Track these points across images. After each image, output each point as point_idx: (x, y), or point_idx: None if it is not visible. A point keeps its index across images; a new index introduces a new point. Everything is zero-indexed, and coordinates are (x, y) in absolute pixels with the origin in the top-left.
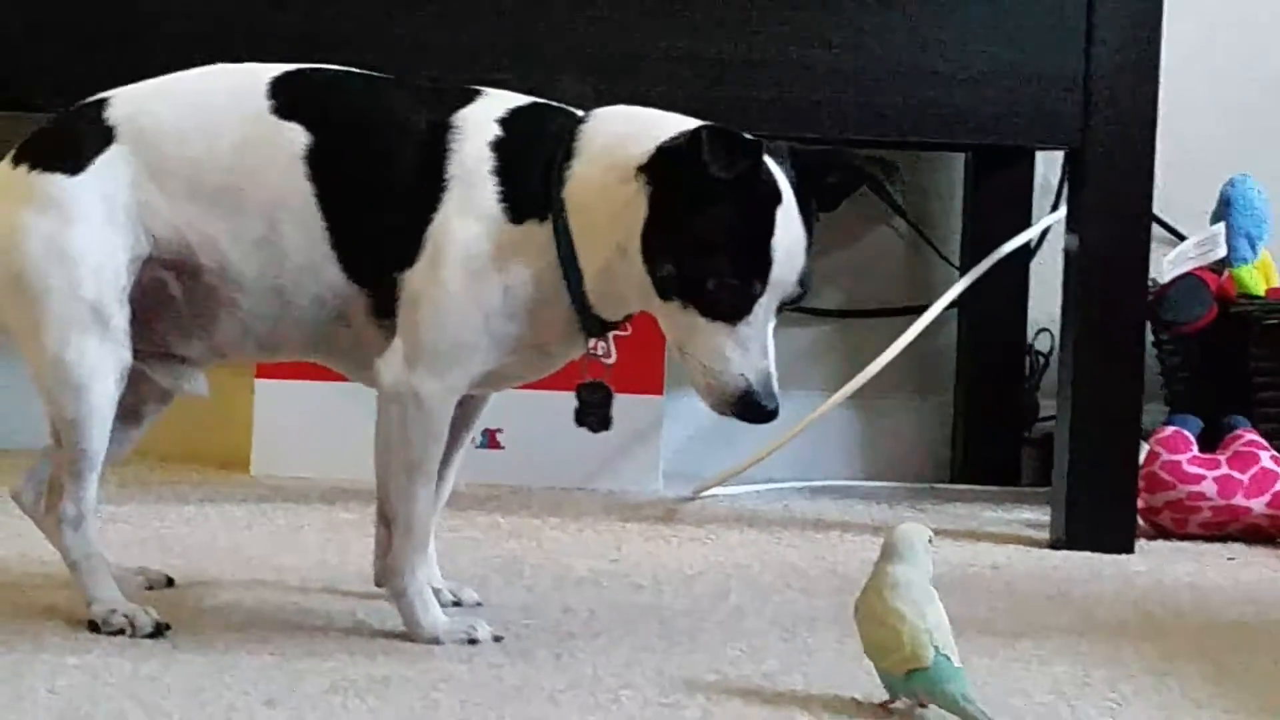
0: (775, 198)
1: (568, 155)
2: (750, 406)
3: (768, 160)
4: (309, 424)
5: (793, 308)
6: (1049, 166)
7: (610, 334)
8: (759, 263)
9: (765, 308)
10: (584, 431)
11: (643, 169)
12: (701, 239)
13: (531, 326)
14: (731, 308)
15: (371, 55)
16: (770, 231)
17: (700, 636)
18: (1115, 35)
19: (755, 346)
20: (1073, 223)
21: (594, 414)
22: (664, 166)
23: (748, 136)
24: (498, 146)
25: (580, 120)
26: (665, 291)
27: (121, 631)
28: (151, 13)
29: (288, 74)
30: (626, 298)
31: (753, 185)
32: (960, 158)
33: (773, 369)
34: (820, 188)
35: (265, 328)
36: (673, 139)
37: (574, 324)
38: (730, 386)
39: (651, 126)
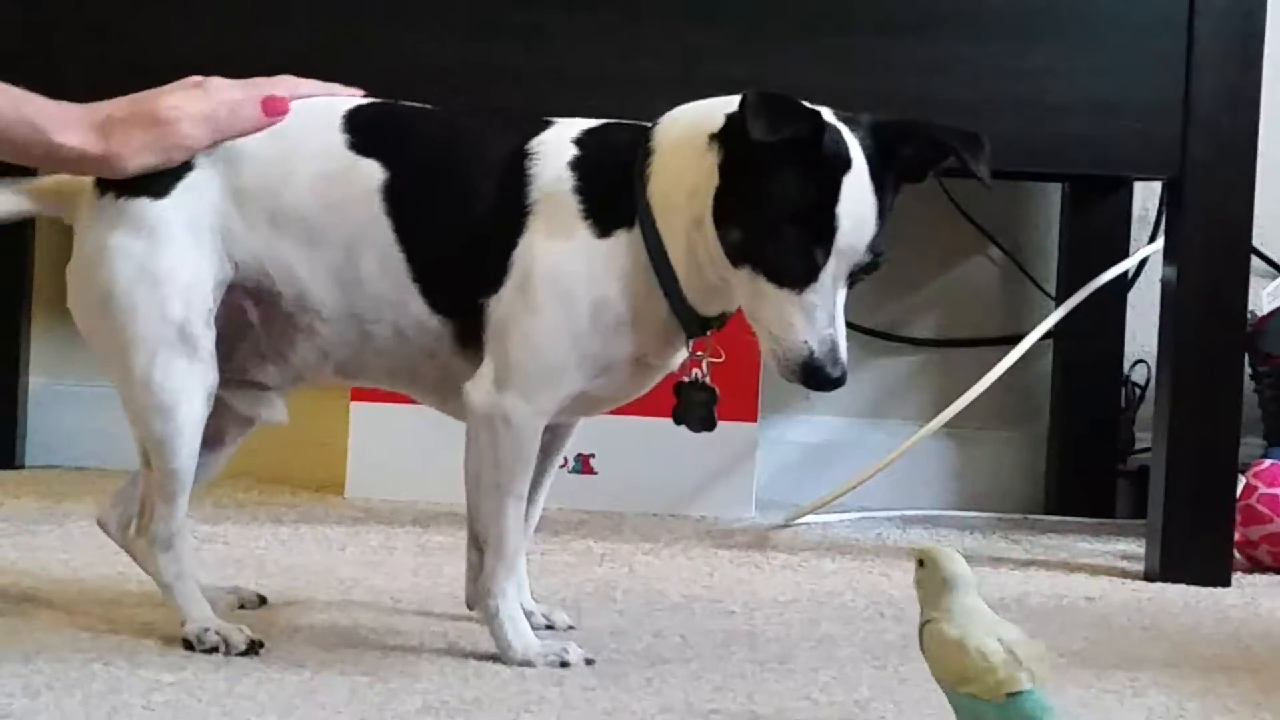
0: (843, 165)
1: (646, 156)
2: (813, 374)
3: (842, 129)
4: (403, 447)
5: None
6: (1147, 197)
7: (704, 362)
8: (823, 229)
9: (833, 275)
10: (678, 458)
11: (714, 136)
12: (765, 203)
13: (627, 339)
14: (796, 274)
15: (460, 83)
16: (835, 198)
17: (792, 663)
18: (1215, 65)
19: (822, 314)
20: (1170, 253)
21: (696, 414)
22: (732, 133)
23: (802, 103)
24: (576, 165)
25: (653, 125)
26: (735, 258)
27: (216, 649)
28: (238, 44)
29: (361, 107)
30: (717, 285)
31: (817, 151)
32: (1057, 187)
33: (839, 338)
34: (899, 158)
35: (344, 355)
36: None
37: (672, 328)
38: (794, 353)
39: (726, 103)
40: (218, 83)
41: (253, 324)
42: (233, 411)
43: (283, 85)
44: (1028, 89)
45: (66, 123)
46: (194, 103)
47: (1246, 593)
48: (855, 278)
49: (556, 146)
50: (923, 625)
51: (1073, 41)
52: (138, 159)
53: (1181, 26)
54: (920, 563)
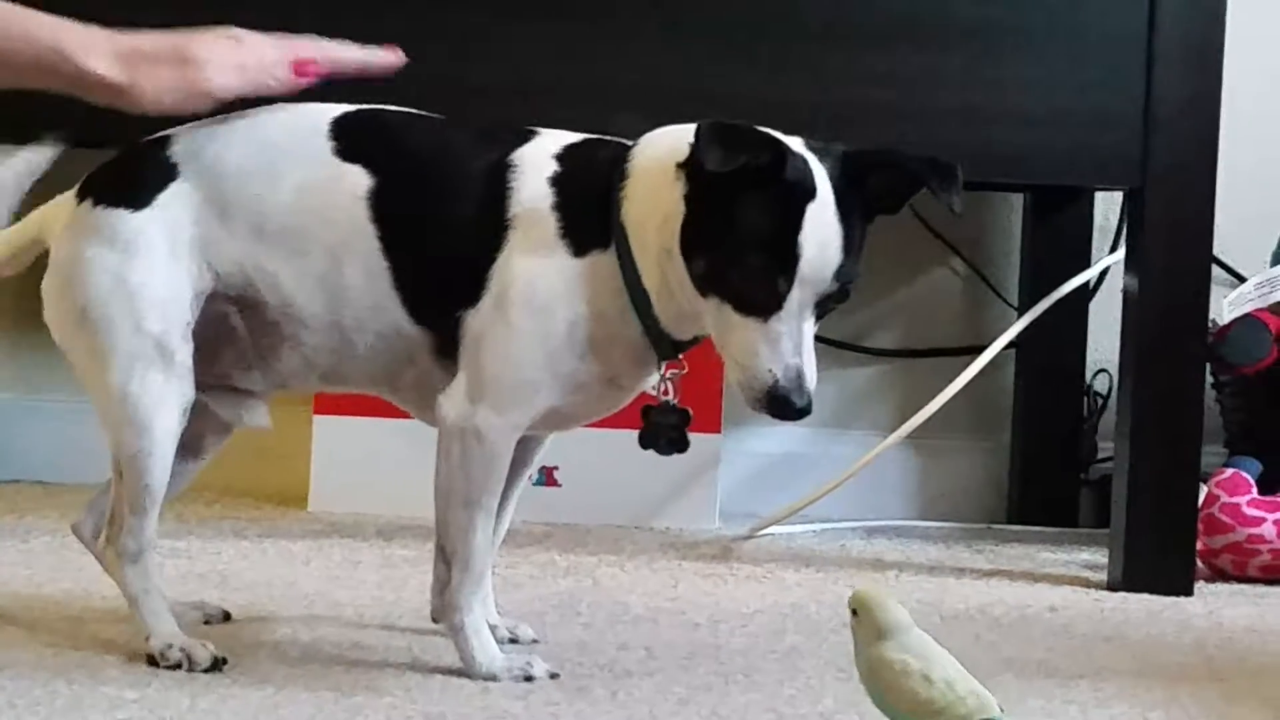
0: (807, 194)
1: (622, 178)
2: (777, 402)
3: (808, 158)
4: (367, 460)
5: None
6: (1108, 207)
7: (671, 375)
8: (786, 258)
9: (798, 304)
10: (641, 470)
11: (681, 166)
12: (729, 233)
13: (600, 359)
14: (760, 303)
15: (433, 95)
16: (798, 227)
17: (756, 675)
18: (1175, 75)
19: (787, 343)
20: (1132, 263)
21: (666, 436)
22: (694, 163)
23: (761, 131)
24: (556, 182)
25: (632, 146)
26: (701, 288)
27: (179, 665)
28: None
29: (348, 115)
30: (687, 311)
31: (779, 180)
32: (1019, 198)
33: (805, 367)
34: (869, 189)
35: (327, 362)
36: None
37: (644, 350)
38: (758, 382)
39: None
40: (252, 37)
41: (237, 330)
42: (213, 418)
43: (311, 43)
44: (989, 99)
45: (93, 48)
46: (227, 51)
47: (1209, 602)
48: (825, 307)
49: (537, 161)
50: (872, 658)
51: (1033, 52)
52: (160, 97)
53: (1141, 36)
54: (854, 612)
